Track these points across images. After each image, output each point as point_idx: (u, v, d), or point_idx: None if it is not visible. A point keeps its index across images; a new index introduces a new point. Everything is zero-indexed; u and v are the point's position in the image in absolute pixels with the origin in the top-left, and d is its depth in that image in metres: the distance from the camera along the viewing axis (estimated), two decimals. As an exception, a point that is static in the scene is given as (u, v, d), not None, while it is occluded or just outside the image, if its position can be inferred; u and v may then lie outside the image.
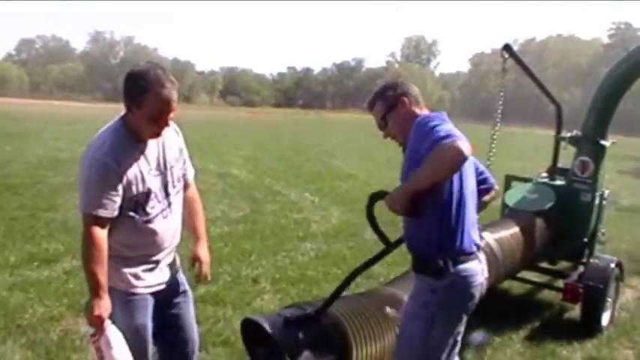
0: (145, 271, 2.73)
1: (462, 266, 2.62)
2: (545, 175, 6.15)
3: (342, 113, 63.94)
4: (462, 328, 2.80)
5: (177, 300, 2.94)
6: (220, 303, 5.39)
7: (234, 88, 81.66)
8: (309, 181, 13.72)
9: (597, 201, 5.67)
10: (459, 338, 2.86)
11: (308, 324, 2.87)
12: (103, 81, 70.51)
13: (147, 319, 2.76)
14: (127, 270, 2.68)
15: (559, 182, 5.83)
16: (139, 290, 2.71)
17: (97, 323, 2.53)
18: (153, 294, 2.78)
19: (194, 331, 3.06)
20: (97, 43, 79.15)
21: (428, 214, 2.58)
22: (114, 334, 2.56)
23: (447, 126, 2.47)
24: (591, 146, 5.57)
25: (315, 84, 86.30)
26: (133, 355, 2.61)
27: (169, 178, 2.75)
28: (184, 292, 3.00)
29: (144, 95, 2.48)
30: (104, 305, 2.53)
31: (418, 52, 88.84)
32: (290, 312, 2.92)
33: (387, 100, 2.84)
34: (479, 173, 2.95)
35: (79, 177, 2.60)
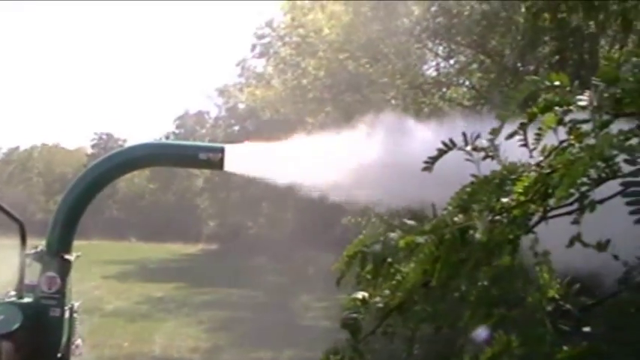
0: None
1: None
2: (13, 293, 5.93)
3: None
4: None
5: None
6: None
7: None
8: None
9: (67, 314, 5.71)
10: None
11: None
12: None
13: None
14: None
15: (27, 300, 5.68)
16: None
17: None
18: None
19: None
20: None
21: None
22: None
23: None
24: (57, 261, 5.63)
25: None
26: None
27: None
28: None
29: None
30: None
31: None
32: None
33: None
34: None
35: None
